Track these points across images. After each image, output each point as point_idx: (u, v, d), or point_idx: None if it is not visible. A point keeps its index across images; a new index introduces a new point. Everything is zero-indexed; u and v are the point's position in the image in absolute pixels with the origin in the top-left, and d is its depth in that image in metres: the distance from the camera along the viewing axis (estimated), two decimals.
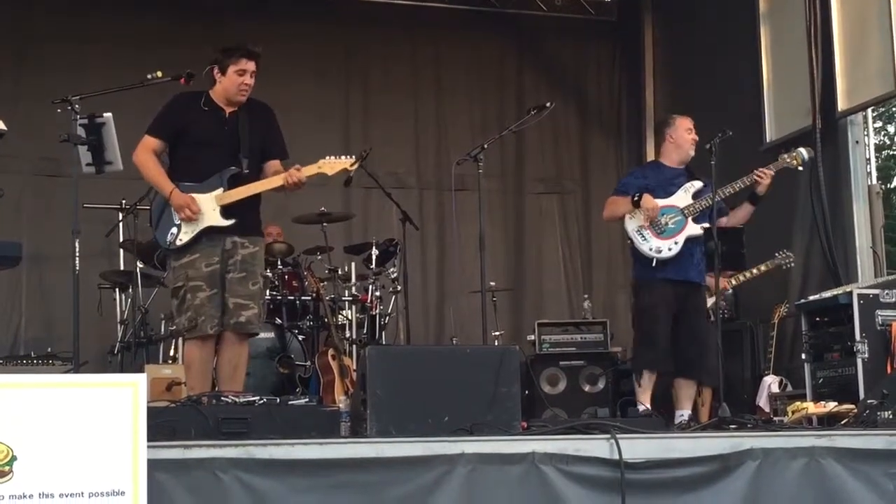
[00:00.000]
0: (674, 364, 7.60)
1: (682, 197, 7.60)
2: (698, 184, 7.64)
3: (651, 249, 7.48)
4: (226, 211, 6.49)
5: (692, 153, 7.78)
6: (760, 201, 7.56)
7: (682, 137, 7.74)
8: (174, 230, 6.50)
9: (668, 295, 7.53)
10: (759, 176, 7.42)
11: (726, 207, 7.71)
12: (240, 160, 6.59)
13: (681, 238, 7.50)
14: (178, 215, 6.45)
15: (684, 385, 7.54)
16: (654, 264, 7.49)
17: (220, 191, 6.52)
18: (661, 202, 7.52)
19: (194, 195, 6.47)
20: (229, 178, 6.55)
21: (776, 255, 8.87)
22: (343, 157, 6.77)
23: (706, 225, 7.64)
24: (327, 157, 6.73)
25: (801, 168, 7.67)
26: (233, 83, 6.64)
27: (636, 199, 7.48)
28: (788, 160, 7.58)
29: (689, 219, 7.52)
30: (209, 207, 6.48)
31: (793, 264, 8.91)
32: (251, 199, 6.66)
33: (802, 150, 7.63)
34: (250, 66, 6.66)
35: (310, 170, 6.65)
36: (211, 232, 6.49)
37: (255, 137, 6.70)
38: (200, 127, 6.64)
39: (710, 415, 8.17)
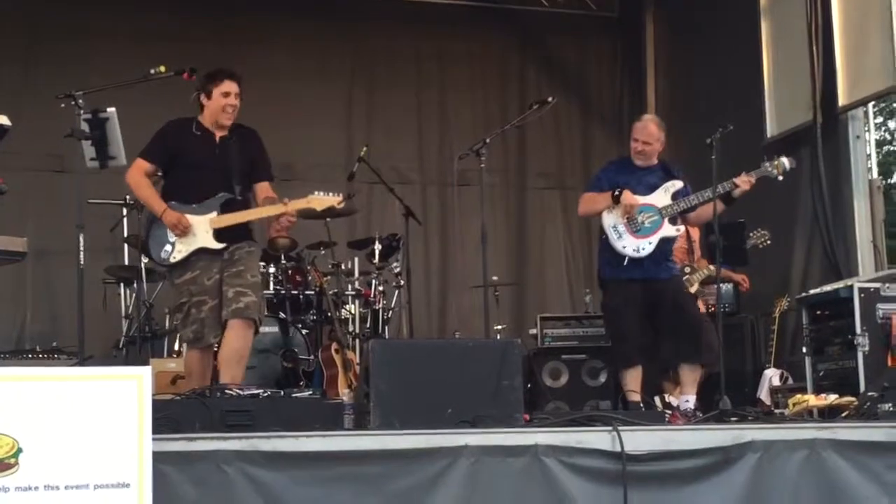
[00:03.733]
0: (655, 355, 7.63)
1: (661, 196, 7.57)
2: (679, 184, 7.63)
3: (624, 248, 7.46)
4: (218, 234, 6.72)
5: (637, 162, 7.74)
6: (734, 203, 7.52)
7: (630, 145, 7.78)
8: (168, 247, 6.74)
9: (635, 293, 7.53)
10: (739, 182, 7.40)
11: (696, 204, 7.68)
12: (232, 186, 6.80)
13: (655, 238, 7.48)
14: (173, 233, 6.69)
15: (687, 370, 7.53)
16: (624, 263, 7.49)
17: (213, 214, 6.73)
18: (640, 199, 7.51)
19: (188, 216, 6.69)
20: (222, 204, 6.77)
21: (750, 234, 8.82)
22: (331, 195, 6.89)
23: (681, 228, 7.65)
24: (316, 193, 6.85)
25: (780, 178, 7.64)
26: (218, 105, 6.83)
27: (617, 194, 7.48)
28: (770, 168, 7.56)
29: (666, 219, 7.52)
30: (202, 229, 6.71)
31: (769, 242, 8.83)
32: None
33: (784, 160, 7.60)
34: (233, 87, 6.86)
35: (298, 204, 6.80)
36: (206, 251, 6.74)
37: (244, 162, 6.91)
38: (192, 151, 6.84)
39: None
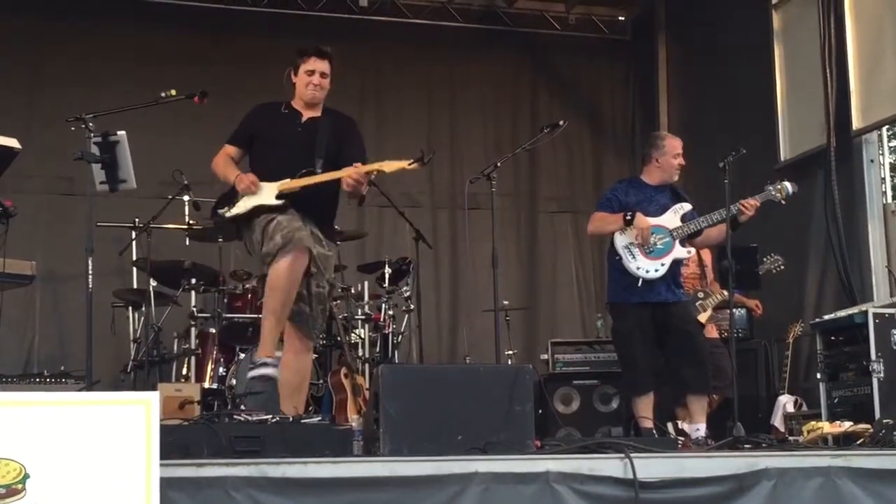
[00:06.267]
0: (668, 381, 7.59)
1: (671, 218, 7.54)
2: (687, 206, 7.61)
3: (638, 269, 7.43)
4: (281, 197, 6.45)
5: (675, 178, 7.74)
6: (740, 228, 7.43)
7: (669, 163, 7.67)
8: (228, 206, 6.54)
9: (644, 317, 7.48)
10: (744, 207, 7.33)
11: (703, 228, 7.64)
12: (314, 162, 6.50)
13: (668, 260, 7.45)
14: (239, 187, 6.44)
15: (694, 400, 7.49)
16: (639, 284, 7.45)
17: (286, 179, 6.46)
18: (651, 221, 7.48)
19: (260, 182, 6.45)
20: (299, 175, 6.47)
21: (764, 259, 8.76)
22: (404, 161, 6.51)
23: (692, 249, 7.62)
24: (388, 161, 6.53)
25: (783, 202, 7.61)
26: (302, 82, 6.67)
27: (629, 217, 7.44)
28: (773, 192, 7.53)
29: (677, 241, 7.49)
30: (269, 191, 6.44)
31: (783, 266, 8.76)
32: (328, 208, 6.67)
33: (787, 184, 7.56)
34: (320, 65, 6.69)
35: (370, 166, 6.46)
36: (265, 208, 6.42)
37: (331, 143, 6.62)
38: (275, 128, 6.66)
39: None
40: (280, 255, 6.27)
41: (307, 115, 6.71)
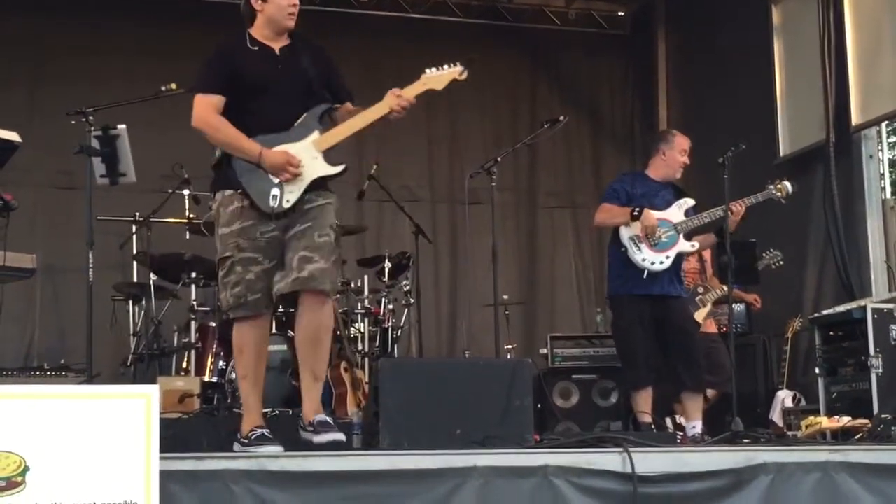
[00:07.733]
0: (667, 376, 7.59)
1: (676, 212, 7.56)
2: (691, 201, 7.63)
3: (644, 260, 7.43)
4: (328, 156, 5.53)
5: (678, 176, 7.77)
6: (731, 232, 7.21)
7: (674, 159, 7.69)
8: (276, 192, 5.40)
9: (644, 311, 7.49)
10: (730, 209, 7.23)
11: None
12: (322, 95, 5.65)
13: (672, 253, 7.46)
14: (280, 177, 5.39)
15: (690, 398, 7.50)
16: (644, 275, 7.47)
17: (315, 134, 5.55)
18: (656, 215, 7.50)
19: (286, 147, 5.45)
20: (320, 117, 5.62)
21: (763, 255, 8.77)
22: (447, 67, 5.83)
23: (696, 244, 7.62)
24: (428, 71, 5.85)
25: (783, 201, 7.62)
26: (278, 6, 5.60)
27: (636, 213, 7.45)
28: (774, 191, 7.55)
29: (681, 235, 7.51)
30: (309, 157, 5.47)
31: (782, 262, 8.79)
32: None
33: (787, 184, 7.56)
34: None
35: (415, 89, 5.82)
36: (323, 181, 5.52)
37: (317, 74, 5.70)
38: (253, 69, 5.57)
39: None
40: (235, 318, 5.51)
41: (277, 46, 5.68)
